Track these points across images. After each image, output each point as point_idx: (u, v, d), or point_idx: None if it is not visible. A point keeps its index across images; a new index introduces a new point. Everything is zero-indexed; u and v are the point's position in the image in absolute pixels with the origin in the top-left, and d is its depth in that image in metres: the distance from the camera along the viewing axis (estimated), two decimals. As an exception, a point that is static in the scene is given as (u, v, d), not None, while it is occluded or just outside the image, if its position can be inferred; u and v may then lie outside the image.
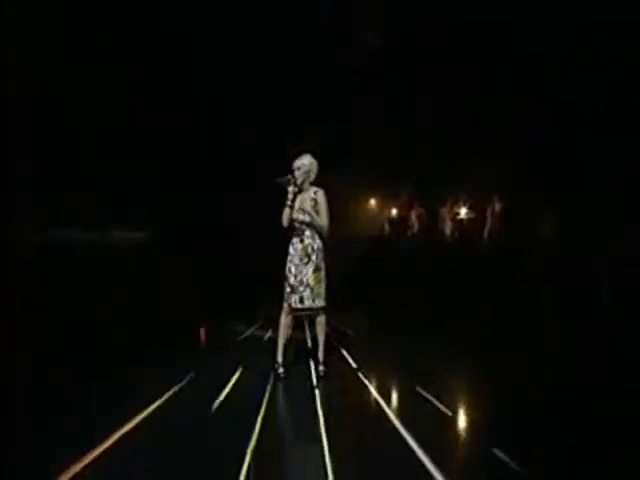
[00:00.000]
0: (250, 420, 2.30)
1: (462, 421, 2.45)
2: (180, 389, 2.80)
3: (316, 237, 3.18)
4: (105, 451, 1.95)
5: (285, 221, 3.17)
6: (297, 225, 3.17)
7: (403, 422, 2.30)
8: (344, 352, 3.83)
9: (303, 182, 3.20)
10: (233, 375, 3.11)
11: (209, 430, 2.23)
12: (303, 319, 3.75)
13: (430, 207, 6.46)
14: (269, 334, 4.44)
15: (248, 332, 4.72)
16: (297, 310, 3.13)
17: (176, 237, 4.99)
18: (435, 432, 2.23)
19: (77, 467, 1.80)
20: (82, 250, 4.15)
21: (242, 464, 1.85)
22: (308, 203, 3.16)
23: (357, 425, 2.36)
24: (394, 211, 7.09)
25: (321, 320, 3.21)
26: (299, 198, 3.20)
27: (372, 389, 2.88)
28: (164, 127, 4.87)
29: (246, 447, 2.00)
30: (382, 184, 7.17)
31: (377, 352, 4.05)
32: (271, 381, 2.99)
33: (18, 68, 3.23)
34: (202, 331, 4.52)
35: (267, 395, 2.71)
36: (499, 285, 4.84)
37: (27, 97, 3.32)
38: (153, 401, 2.54)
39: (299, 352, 3.76)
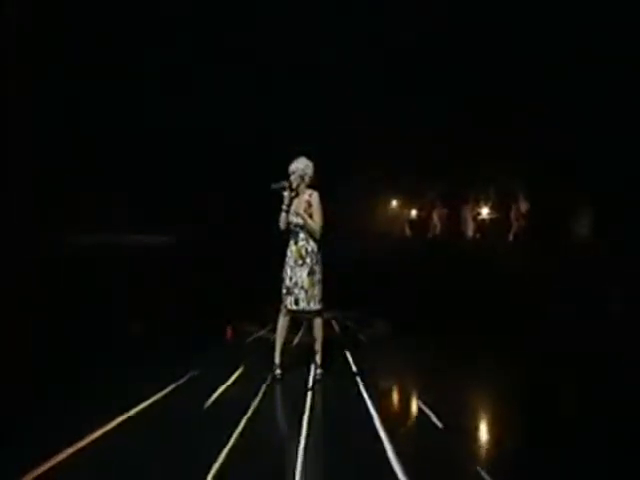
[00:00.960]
0: (235, 418, 2.38)
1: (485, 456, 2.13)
2: (177, 386, 2.94)
3: (310, 240, 3.20)
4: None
5: (282, 224, 3.22)
6: (292, 228, 3.22)
7: (392, 443, 2.09)
8: (349, 358, 3.80)
9: (298, 185, 3.24)
10: (232, 375, 3.21)
11: (195, 425, 2.34)
12: (302, 321, 3.77)
13: (453, 207, 6.23)
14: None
15: (260, 333, 4.82)
16: (293, 312, 3.18)
17: (193, 238, 5.24)
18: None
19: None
20: (109, 251, 4.50)
21: (213, 462, 1.92)
22: (302, 206, 3.20)
23: (338, 434, 2.34)
24: (413, 212, 6.92)
25: (317, 323, 3.21)
26: (295, 201, 3.25)
27: (366, 397, 2.82)
28: (180, 128, 5.05)
29: (223, 446, 2.07)
30: (404, 185, 7.04)
31: (386, 360, 3.95)
32: (267, 382, 3.05)
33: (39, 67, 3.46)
34: (228, 329, 4.72)
35: (260, 395, 2.78)
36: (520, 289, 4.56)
37: (39, 96, 3.54)
38: (152, 396, 2.69)
39: (303, 354, 3.79)
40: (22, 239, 3.53)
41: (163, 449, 2.08)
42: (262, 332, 4.87)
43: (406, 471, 1.86)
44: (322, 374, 3.18)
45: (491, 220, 5.63)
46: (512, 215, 5.60)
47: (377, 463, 1.95)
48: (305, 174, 3.23)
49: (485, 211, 5.61)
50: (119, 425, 2.29)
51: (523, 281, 4.71)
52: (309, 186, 3.27)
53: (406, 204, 7.07)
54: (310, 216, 3.16)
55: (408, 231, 6.92)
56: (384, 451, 2.04)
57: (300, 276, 3.15)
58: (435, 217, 6.62)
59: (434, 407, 2.57)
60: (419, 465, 1.95)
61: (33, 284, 3.49)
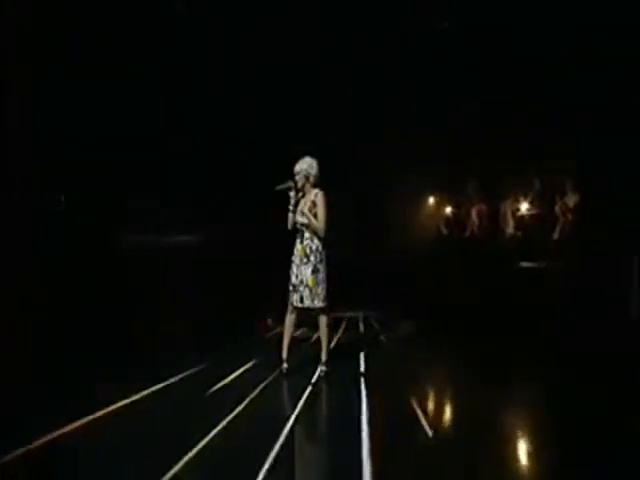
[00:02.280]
0: (230, 406, 2.52)
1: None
2: (190, 374, 3.19)
3: (314, 238, 3.25)
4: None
5: (289, 225, 3.30)
6: (298, 227, 3.29)
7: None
8: (362, 358, 3.75)
9: (304, 185, 3.30)
10: (241, 367, 3.37)
11: (195, 409, 2.56)
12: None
13: (493, 203, 5.81)
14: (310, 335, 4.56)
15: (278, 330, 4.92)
16: (298, 309, 3.25)
17: (224, 239, 5.53)
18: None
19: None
20: (147, 252, 4.97)
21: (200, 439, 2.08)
22: (307, 205, 3.26)
23: (322, 430, 2.37)
24: (448, 209, 6.56)
25: (322, 321, 3.26)
26: (302, 201, 3.32)
27: (363, 398, 2.78)
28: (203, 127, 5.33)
29: (213, 427, 2.23)
30: (442, 181, 6.73)
31: (397, 363, 3.79)
32: (273, 376, 3.15)
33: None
34: (269, 320, 4.98)
35: (260, 388, 2.89)
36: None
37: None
38: (162, 381, 2.96)
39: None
40: (76, 239, 4.04)
41: (161, 424, 2.32)
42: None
43: (373, 471, 1.83)
44: (326, 372, 3.22)
45: (531, 216, 5.15)
46: (557, 210, 5.07)
47: (348, 462, 1.95)
48: (309, 174, 3.28)
49: (524, 206, 5.14)
50: (132, 402, 2.59)
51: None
52: (315, 185, 3.33)
53: (443, 201, 6.75)
54: (315, 215, 3.23)
55: (444, 230, 6.61)
56: (359, 451, 2.02)
57: (304, 274, 3.21)
58: (473, 214, 6.23)
59: (430, 415, 2.47)
60: (390, 468, 1.91)
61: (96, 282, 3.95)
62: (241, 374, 3.24)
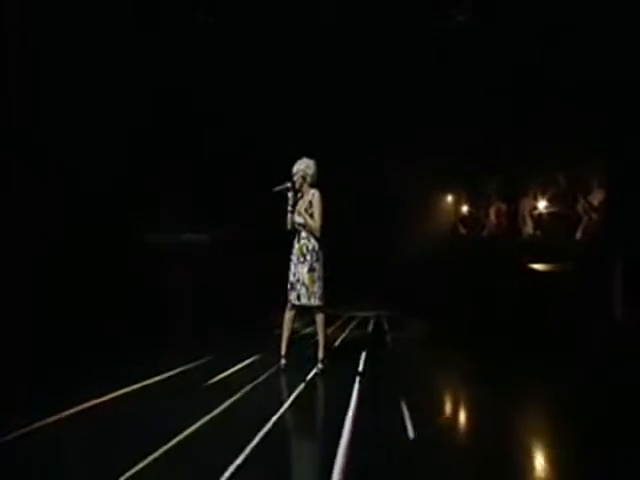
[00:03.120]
0: (222, 398, 2.62)
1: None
2: (195, 366, 3.36)
3: (311, 238, 3.30)
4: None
5: (288, 225, 3.38)
6: (296, 227, 3.36)
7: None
8: (362, 357, 3.73)
9: (301, 186, 3.36)
10: (242, 362, 3.48)
11: (184, 402, 2.67)
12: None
13: (513, 201, 5.58)
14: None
15: (303, 331, 4.95)
16: (296, 306, 3.32)
17: (240, 237, 5.70)
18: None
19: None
20: (167, 249, 5.23)
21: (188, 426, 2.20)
22: (304, 205, 3.32)
23: (304, 426, 2.39)
24: (465, 208, 6.37)
25: (318, 318, 3.30)
26: (300, 202, 3.38)
27: (354, 396, 2.78)
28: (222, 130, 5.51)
29: (204, 415, 2.35)
30: (460, 180, 6.56)
31: (397, 364, 3.73)
32: (270, 371, 3.23)
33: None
34: None
35: (254, 382, 2.97)
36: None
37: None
38: (170, 370, 3.16)
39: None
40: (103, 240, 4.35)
41: (155, 410, 2.48)
42: (308, 330, 4.97)
43: (343, 471, 1.85)
44: (323, 370, 3.26)
45: (550, 215, 4.88)
46: (580, 208, 4.79)
47: (324, 456, 1.98)
48: (306, 174, 3.33)
49: (542, 205, 4.89)
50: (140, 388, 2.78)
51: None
52: (312, 185, 3.38)
53: (461, 200, 6.55)
54: (311, 215, 3.28)
55: (462, 229, 6.41)
56: (334, 449, 2.04)
57: (301, 273, 3.27)
58: (492, 213, 6.01)
59: (416, 417, 2.44)
60: (361, 466, 1.92)
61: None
62: (240, 369, 3.35)
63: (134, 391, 2.78)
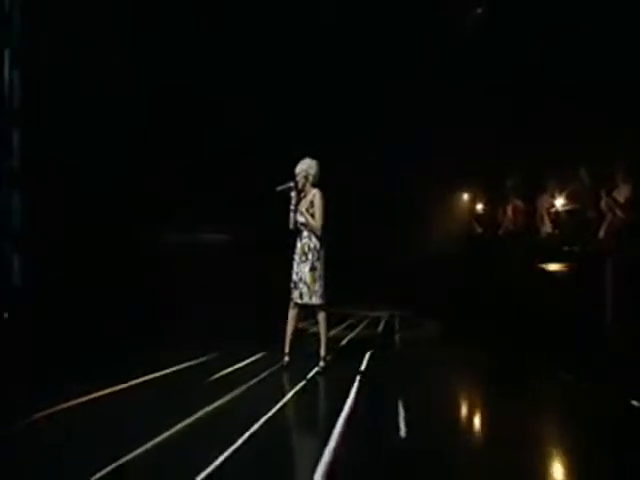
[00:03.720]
0: (221, 394, 2.69)
1: None
2: (202, 362, 3.48)
3: (312, 237, 3.33)
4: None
5: (290, 224, 3.42)
6: (299, 226, 3.39)
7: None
8: (366, 357, 3.72)
9: (304, 185, 3.39)
10: (248, 359, 3.57)
11: (193, 391, 2.79)
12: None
13: (531, 199, 5.36)
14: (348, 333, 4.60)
15: (311, 330, 4.94)
16: (299, 305, 3.35)
17: (256, 237, 5.79)
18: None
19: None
20: (187, 248, 5.41)
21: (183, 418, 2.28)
22: (306, 205, 3.35)
23: (300, 421, 2.41)
24: (479, 206, 6.18)
25: (320, 317, 3.33)
26: (302, 201, 3.41)
27: (352, 394, 2.79)
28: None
29: (202, 407, 2.43)
30: (477, 177, 6.39)
31: (399, 365, 3.69)
32: (273, 368, 3.29)
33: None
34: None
35: (256, 379, 3.03)
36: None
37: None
38: (176, 364, 3.29)
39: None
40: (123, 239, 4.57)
41: (156, 401, 2.58)
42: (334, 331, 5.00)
43: (327, 467, 1.87)
44: (324, 367, 3.28)
45: (568, 213, 4.64)
46: (604, 205, 4.53)
47: (310, 453, 2.01)
48: (308, 174, 3.36)
49: (560, 202, 4.66)
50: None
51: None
52: (315, 185, 3.40)
53: (478, 198, 6.36)
54: (312, 215, 3.31)
55: (478, 228, 6.22)
56: (324, 443, 2.07)
57: (303, 272, 3.31)
58: (509, 211, 5.80)
59: (411, 416, 2.43)
60: (347, 464, 1.93)
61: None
62: (245, 365, 3.43)
63: (137, 385, 2.89)
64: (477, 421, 2.63)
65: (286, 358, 3.38)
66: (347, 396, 2.75)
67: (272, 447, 2.09)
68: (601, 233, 4.68)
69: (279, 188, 3.43)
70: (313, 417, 2.54)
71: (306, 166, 3.38)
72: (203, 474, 1.76)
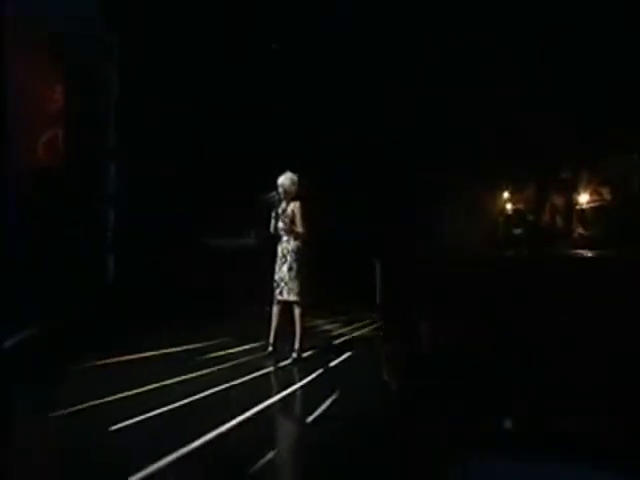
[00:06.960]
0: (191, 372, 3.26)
1: None
2: (204, 346, 4.09)
3: (291, 241, 3.75)
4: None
5: (272, 229, 3.87)
6: (279, 232, 3.83)
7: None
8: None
9: (285, 196, 3.82)
10: (242, 346, 4.07)
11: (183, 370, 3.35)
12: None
13: (565, 196, 4.78)
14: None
15: (342, 331, 4.99)
16: (281, 301, 3.77)
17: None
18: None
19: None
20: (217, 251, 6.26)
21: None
22: (287, 214, 3.77)
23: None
24: (508, 206, 5.63)
25: (296, 312, 3.71)
26: (287, 209, 3.83)
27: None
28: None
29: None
30: (517, 176, 5.87)
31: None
32: (253, 356, 3.77)
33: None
34: None
35: (232, 362, 3.56)
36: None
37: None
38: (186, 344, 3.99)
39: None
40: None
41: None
42: (344, 329, 5.14)
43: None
44: (296, 359, 3.65)
45: (594, 209, 4.00)
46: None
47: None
48: (290, 189, 3.78)
49: (584, 198, 4.06)
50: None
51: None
52: (295, 198, 3.80)
53: (514, 198, 5.79)
54: (292, 222, 3.71)
55: (515, 230, 5.64)
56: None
57: (283, 271, 3.74)
58: (547, 211, 5.18)
59: (329, 409, 2.64)
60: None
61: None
62: (234, 352, 3.91)
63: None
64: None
65: (270, 348, 3.82)
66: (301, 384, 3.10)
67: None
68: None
69: (264, 197, 3.92)
70: (260, 395, 2.92)
71: (288, 182, 3.78)
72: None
